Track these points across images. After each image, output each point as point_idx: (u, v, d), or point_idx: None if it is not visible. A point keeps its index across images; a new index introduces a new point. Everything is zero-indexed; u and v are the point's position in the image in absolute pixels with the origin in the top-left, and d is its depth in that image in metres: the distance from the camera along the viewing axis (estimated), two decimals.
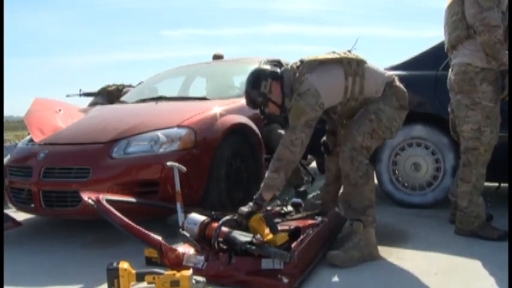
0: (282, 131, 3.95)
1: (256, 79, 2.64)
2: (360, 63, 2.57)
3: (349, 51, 2.65)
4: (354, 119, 2.66)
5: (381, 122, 2.56)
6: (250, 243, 2.19)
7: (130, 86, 5.83)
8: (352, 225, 2.54)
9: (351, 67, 2.54)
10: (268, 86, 2.60)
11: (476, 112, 2.73)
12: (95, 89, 6.05)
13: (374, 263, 2.43)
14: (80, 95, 6.13)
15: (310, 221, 2.72)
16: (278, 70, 2.69)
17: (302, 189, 3.97)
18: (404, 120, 3.59)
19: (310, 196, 3.44)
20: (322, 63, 2.55)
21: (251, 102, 2.71)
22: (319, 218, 2.78)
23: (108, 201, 2.50)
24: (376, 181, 3.72)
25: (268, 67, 2.79)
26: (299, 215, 2.90)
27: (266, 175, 2.54)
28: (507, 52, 2.62)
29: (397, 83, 2.67)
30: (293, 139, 2.47)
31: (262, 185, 2.53)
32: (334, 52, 2.63)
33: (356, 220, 2.51)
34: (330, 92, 2.51)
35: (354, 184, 2.53)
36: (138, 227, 2.33)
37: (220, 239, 2.33)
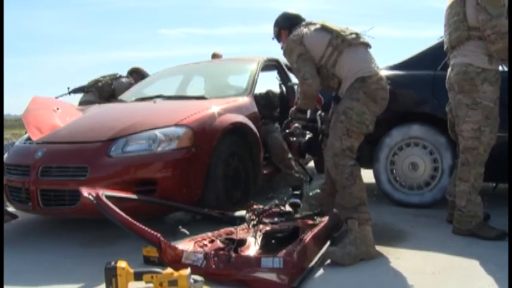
0: (278, 135, 3.96)
1: (274, 24, 3.13)
2: (344, 41, 2.74)
3: (357, 34, 2.81)
4: (330, 126, 2.80)
5: (351, 120, 2.64)
6: None
7: (121, 76, 5.62)
8: (347, 224, 2.57)
9: (336, 40, 2.75)
10: (277, 32, 3.10)
11: (477, 112, 2.73)
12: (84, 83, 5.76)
13: (372, 263, 2.43)
14: (69, 92, 5.85)
15: (308, 221, 2.72)
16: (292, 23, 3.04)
17: (298, 192, 3.95)
18: (402, 120, 3.62)
19: (309, 195, 3.45)
20: (320, 28, 2.84)
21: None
22: (318, 219, 2.78)
23: (108, 197, 2.49)
24: (374, 181, 3.75)
25: (289, 16, 3.08)
26: (298, 215, 2.90)
27: (299, 103, 3.05)
28: None
29: (373, 80, 2.68)
30: (302, 75, 2.80)
31: (297, 107, 3.12)
32: (344, 27, 2.85)
33: (350, 218, 2.55)
34: (311, 43, 2.80)
35: (343, 186, 2.61)
36: (137, 223, 2.33)
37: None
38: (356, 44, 2.75)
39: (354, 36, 2.77)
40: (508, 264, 2.27)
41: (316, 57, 2.79)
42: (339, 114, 2.70)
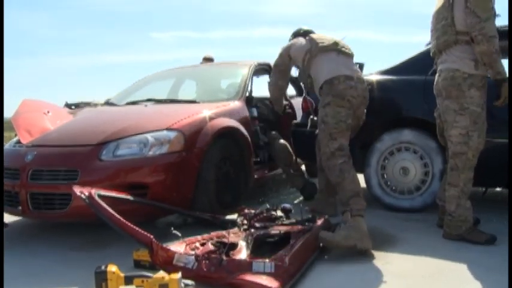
0: (283, 141, 4.02)
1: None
2: (317, 47, 3.23)
3: (335, 42, 3.28)
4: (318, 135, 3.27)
5: (329, 125, 3.04)
6: None
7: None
8: (342, 215, 2.79)
9: (313, 47, 3.26)
10: (290, 40, 3.62)
11: (465, 117, 2.76)
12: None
13: (362, 267, 2.43)
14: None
15: (300, 227, 2.72)
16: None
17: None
18: (393, 125, 3.65)
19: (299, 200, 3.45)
20: (308, 39, 3.35)
21: None
22: (309, 224, 2.78)
23: (101, 197, 2.48)
24: (364, 185, 3.76)
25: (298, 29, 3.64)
26: (289, 221, 2.90)
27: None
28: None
29: (340, 80, 3.07)
30: (270, 80, 3.66)
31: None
32: (329, 37, 3.35)
33: (345, 211, 2.77)
34: (294, 51, 3.37)
35: (336, 183, 2.98)
36: (129, 223, 2.31)
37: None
38: (327, 50, 3.21)
39: (327, 43, 3.23)
40: (498, 267, 2.29)
41: (299, 63, 3.35)
42: (319, 124, 3.12)
